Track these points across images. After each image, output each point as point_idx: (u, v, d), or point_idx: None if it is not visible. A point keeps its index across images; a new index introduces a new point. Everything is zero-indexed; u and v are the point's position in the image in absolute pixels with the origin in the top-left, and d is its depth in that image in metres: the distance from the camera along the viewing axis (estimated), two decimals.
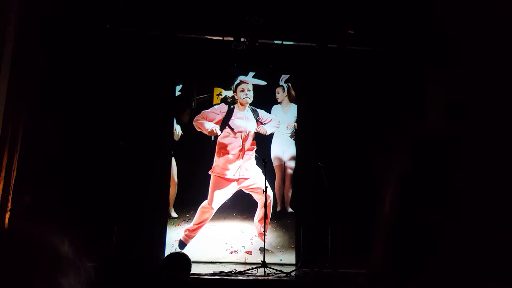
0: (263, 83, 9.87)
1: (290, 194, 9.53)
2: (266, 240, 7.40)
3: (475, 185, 7.18)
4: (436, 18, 8.76)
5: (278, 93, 9.93)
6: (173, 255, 3.26)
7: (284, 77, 9.97)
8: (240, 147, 9.46)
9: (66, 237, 0.70)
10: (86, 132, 8.68)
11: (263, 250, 7.25)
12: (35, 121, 8.19)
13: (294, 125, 9.81)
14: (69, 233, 0.70)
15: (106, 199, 7.92)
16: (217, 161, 9.40)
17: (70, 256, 0.68)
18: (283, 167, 9.64)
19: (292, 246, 9.17)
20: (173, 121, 9.49)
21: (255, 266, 6.82)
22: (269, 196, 9.06)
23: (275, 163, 9.58)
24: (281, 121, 9.79)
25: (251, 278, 6.11)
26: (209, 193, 9.24)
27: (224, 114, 9.60)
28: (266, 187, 7.23)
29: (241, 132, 9.53)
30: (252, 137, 9.57)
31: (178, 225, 9.09)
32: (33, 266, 0.63)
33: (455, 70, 8.32)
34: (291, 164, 9.67)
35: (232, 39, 9.31)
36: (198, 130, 9.49)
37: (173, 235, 9.02)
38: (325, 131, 9.45)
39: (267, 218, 7.61)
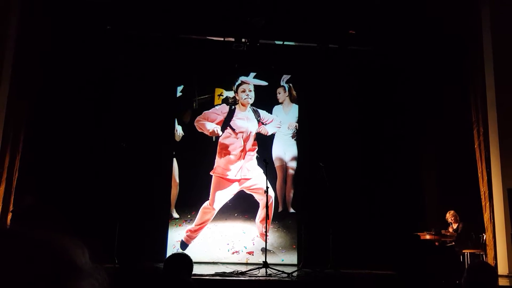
0: (264, 83, 9.87)
1: (291, 195, 9.53)
2: (267, 241, 7.39)
3: None
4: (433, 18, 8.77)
5: (279, 93, 9.93)
6: (174, 255, 3.26)
7: (285, 77, 9.97)
8: (242, 148, 9.46)
9: (86, 247, 0.71)
10: (88, 134, 8.69)
11: (264, 250, 7.23)
12: (36, 123, 8.21)
13: (296, 126, 9.80)
14: (84, 241, 0.71)
15: (108, 200, 7.92)
16: (219, 161, 9.40)
17: (89, 267, 0.69)
18: (284, 167, 9.63)
19: (294, 246, 9.17)
20: (174, 122, 9.50)
21: (257, 266, 6.80)
22: (271, 197, 9.06)
23: (277, 164, 9.58)
24: (282, 121, 9.79)
25: (253, 278, 6.09)
26: (210, 193, 9.24)
27: (225, 114, 9.60)
28: (267, 187, 7.21)
29: (242, 132, 9.52)
30: (253, 137, 9.56)
31: (179, 225, 9.09)
32: (53, 276, 0.63)
33: None
34: (293, 164, 9.67)
35: (233, 39, 9.32)
36: (200, 130, 9.50)
37: (175, 235, 9.03)
38: (326, 131, 9.44)
39: (268, 219, 7.60)
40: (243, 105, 9.68)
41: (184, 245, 8.99)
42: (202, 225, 9.12)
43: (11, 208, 7.52)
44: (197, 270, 5.84)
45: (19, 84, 7.89)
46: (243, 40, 9.28)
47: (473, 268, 2.86)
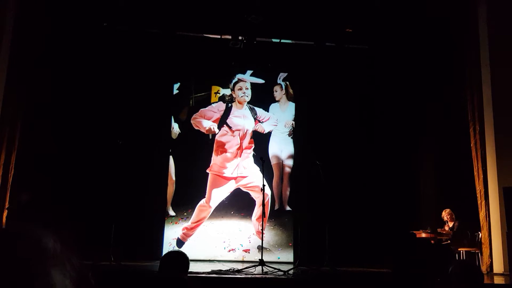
0: (261, 81, 9.86)
1: (288, 193, 9.53)
2: (264, 239, 7.37)
3: None
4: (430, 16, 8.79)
5: (276, 91, 9.92)
6: (171, 253, 3.25)
7: (282, 75, 9.97)
8: (238, 146, 9.46)
9: (52, 233, 0.70)
10: (84, 131, 8.65)
11: (261, 248, 7.23)
12: (32, 120, 8.18)
13: (292, 123, 9.80)
14: (58, 230, 0.71)
15: (104, 197, 7.89)
16: (215, 159, 9.39)
17: (60, 254, 0.68)
18: (281, 165, 9.64)
19: (290, 244, 9.18)
20: (170, 120, 9.48)
21: (253, 264, 6.80)
22: (267, 195, 9.05)
23: (273, 162, 9.58)
24: (279, 119, 9.78)
25: (249, 276, 6.08)
26: (207, 191, 9.24)
27: (222, 112, 9.59)
28: (264, 185, 7.20)
29: (239, 130, 9.52)
30: (250, 135, 9.56)
31: (176, 223, 9.09)
32: (23, 263, 0.63)
33: None
34: (289, 162, 9.67)
35: (230, 37, 9.30)
36: (196, 128, 9.48)
37: (171, 233, 9.02)
38: (323, 129, 9.45)
39: (265, 217, 7.59)
40: (239, 103, 9.67)
41: (180, 242, 8.98)
42: (198, 222, 9.11)
43: (6, 205, 7.49)
44: (193, 267, 5.83)
45: (15, 80, 7.85)
46: (240, 37, 9.28)
47: (458, 267, 2.88)
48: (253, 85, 9.80)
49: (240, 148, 9.45)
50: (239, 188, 9.33)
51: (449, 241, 7.89)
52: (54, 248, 0.68)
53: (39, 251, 0.66)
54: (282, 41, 9.68)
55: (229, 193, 9.29)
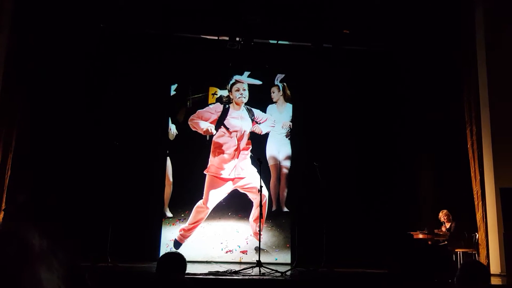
0: (258, 82, 9.87)
1: (285, 194, 9.53)
2: (261, 240, 7.38)
3: None
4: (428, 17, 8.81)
5: (273, 92, 9.93)
6: (168, 255, 3.25)
7: (280, 76, 9.97)
8: (236, 147, 9.45)
9: (37, 230, 0.70)
10: (81, 132, 8.63)
11: (258, 249, 7.24)
12: (29, 121, 8.16)
13: (290, 125, 9.81)
14: (45, 228, 0.70)
15: (101, 199, 7.88)
16: (212, 160, 9.38)
17: (43, 250, 0.68)
18: (278, 166, 9.63)
19: (288, 245, 9.17)
20: (168, 121, 9.47)
21: (250, 265, 6.80)
22: (264, 196, 9.05)
23: (270, 163, 9.58)
24: (276, 120, 9.79)
25: (247, 277, 6.08)
26: (204, 192, 9.22)
27: (220, 113, 9.59)
28: (261, 186, 7.21)
29: (236, 131, 9.51)
30: (247, 136, 9.56)
31: (173, 224, 9.07)
32: (10, 261, 0.63)
33: None
34: (286, 163, 9.67)
35: (227, 38, 9.30)
36: (193, 129, 9.48)
37: (168, 234, 9.00)
38: (320, 131, 9.46)
39: (262, 218, 7.59)
40: (237, 104, 9.67)
41: (177, 244, 8.96)
42: (195, 224, 9.10)
43: (3, 206, 7.46)
44: (190, 269, 5.83)
45: (12, 81, 7.83)
46: (237, 39, 9.27)
47: (466, 266, 2.88)
48: (250, 86, 9.80)
49: (238, 149, 9.45)
50: (236, 189, 9.33)
51: (446, 242, 7.90)
52: (39, 245, 0.68)
53: (24, 248, 0.66)
54: (279, 42, 9.68)
55: (226, 194, 9.29)
